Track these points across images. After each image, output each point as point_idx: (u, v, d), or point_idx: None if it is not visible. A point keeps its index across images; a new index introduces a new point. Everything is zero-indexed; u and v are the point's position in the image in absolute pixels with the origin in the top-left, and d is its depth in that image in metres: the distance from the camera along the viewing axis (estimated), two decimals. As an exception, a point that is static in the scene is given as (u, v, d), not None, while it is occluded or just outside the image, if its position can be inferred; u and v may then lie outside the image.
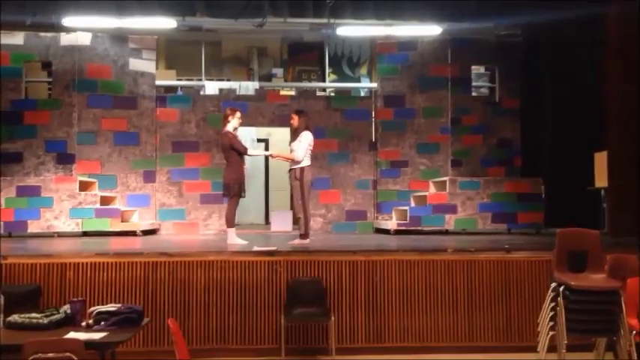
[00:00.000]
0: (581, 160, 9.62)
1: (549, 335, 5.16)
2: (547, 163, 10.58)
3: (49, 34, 9.88)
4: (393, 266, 6.40)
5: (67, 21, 9.21)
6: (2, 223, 9.14)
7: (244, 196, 7.78)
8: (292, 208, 7.90)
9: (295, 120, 7.76)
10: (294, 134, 7.81)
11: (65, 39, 9.92)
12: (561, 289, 5.03)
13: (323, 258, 6.44)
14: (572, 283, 4.98)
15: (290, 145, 7.95)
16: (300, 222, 7.64)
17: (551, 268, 5.38)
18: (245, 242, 7.49)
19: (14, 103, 9.80)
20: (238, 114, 7.78)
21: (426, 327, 6.33)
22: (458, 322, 6.35)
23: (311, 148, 7.66)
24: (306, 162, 7.57)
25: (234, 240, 7.55)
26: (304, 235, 7.59)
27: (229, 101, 10.52)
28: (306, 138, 7.62)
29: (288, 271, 6.29)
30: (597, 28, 8.78)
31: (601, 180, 9.04)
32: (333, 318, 6.04)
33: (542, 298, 5.40)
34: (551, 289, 5.20)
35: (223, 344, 6.19)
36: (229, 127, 7.68)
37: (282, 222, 10.60)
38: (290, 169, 7.64)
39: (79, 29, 9.78)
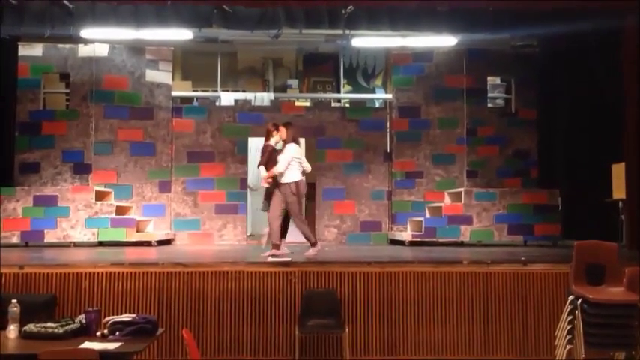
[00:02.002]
0: (598, 172, 9.52)
1: (567, 349, 5.10)
2: (564, 175, 10.49)
3: (67, 46, 10.01)
4: (408, 278, 6.36)
5: (85, 33, 9.32)
6: (19, 232, 9.24)
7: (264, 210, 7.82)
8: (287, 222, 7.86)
9: (282, 132, 7.69)
10: (283, 146, 7.72)
11: (83, 50, 10.05)
12: (579, 302, 4.97)
13: (337, 269, 6.42)
14: (590, 296, 4.92)
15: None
16: (306, 233, 7.64)
17: (568, 280, 5.32)
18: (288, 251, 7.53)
19: (33, 113, 9.93)
20: (282, 129, 7.71)
21: (442, 339, 6.27)
22: (474, 335, 6.28)
23: (298, 159, 7.53)
24: (296, 176, 7.48)
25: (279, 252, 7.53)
26: (315, 243, 7.61)
27: (244, 112, 10.58)
28: (290, 150, 7.49)
29: (302, 282, 6.27)
30: (614, 40, 8.72)
31: (619, 192, 8.93)
32: (347, 329, 6.01)
33: (560, 311, 5.34)
34: (568, 302, 5.14)
35: (237, 355, 6.17)
36: (272, 142, 7.75)
37: (297, 233, 10.55)
38: (281, 184, 7.49)
39: (97, 41, 9.90)
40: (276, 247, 7.49)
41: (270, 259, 6.97)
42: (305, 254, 7.54)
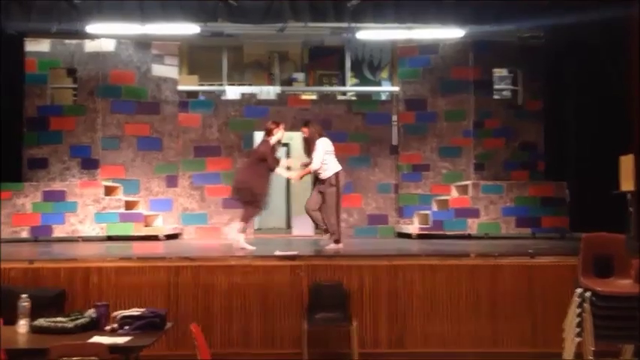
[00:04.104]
0: (606, 163, 9.46)
1: (575, 342, 5.09)
2: (571, 167, 10.44)
3: (74, 41, 10.02)
4: (415, 271, 6.37)
5: (92, 28, 9.33)
6: (29, 227, 9.29)
7: (266, 209, 7.82)
8: (319, 213, 7.78)
9: (306, 132, 7.77)
10: (307, 144, 7.78)
11: (90, 46, 10.06)
12: (587, 294, 4.96)
13: (345, 263, 6.43)
14: (599, 288, 4.91)
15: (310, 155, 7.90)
16: (333, 227, 7.63)
17: (576, 273, 5.30)
18: (253, 248, 7.46)
19: (40, 109, 9.96)
20: (282, 126, 7.72)
21: (449, 332, 6.28)
22: (481, 328, 6.29)
23: (331, 151, 7.63)
24: (335, 167, 7.57)
25: (243, 244, 7.55)
26: (338, 240, 7.61)
27: (251, 106, 10.58)
28: (321, 146, 7.58)
29: (309, 275, 6.29)
30: (621, 30, 8.66)
31: (627, 183, 8.87)
32: (355, 323, 6.02)
33: (568, 304, 5.33)
34: (576, 294, 5.13)
35: (245, 349, 6.21)
36: (272, 140, 7.67)
37: (303, 226, 10.62)
38: (320, 179, 7.60)
39: (103, 36, 9.92)
40: (339, 241, 7.58)
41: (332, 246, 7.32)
42: (326, 247, 7.57)
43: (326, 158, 7.57)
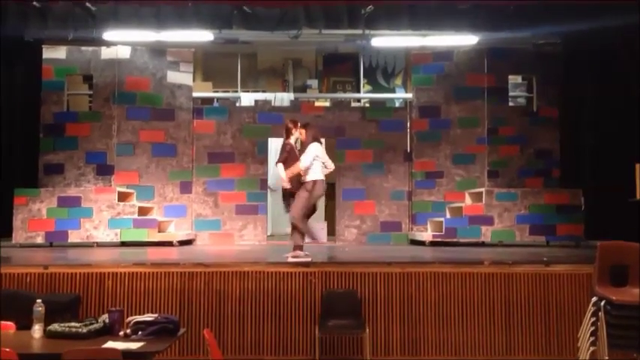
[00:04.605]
0: (622, 171, 9.38)
1: (590, 350, 5.04)
2: (587, 174, 10.35)
3: (90, 48, 10.13)
4: (428, 278, 6.35)
5: (108, 35, 9.44)
6: (44, 232, 9.38)
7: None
8: (288, 212, 7.56)
9: (302, 133, 7.66)
10: (303, 147, 7.67)
11: (105, 53, 10.16)
12: (602, 303, 4.91)
13: (358, 270, 6.42)
14: (614, 297, 4.86)
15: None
16: (295, 233, 7.35)
17: (591, 281, 5.26)
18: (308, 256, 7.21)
19: (56, 115, 10.07)
20: (302, 131, 7.65)
21: (463, 340, 6.25)
22: (495, 336, 6.25)
23: (320, 159, 7.46)
24: (317, 175, 7.38)
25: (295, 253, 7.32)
26: (301, 247, 7.28)
27: (265, 112, 10.61)
28: (312, 149, 7.44)
29: (322, 282, 6.29)
30: (637, 36, 8.59)
31: (643, 191, 8.80)
32: (367, 330, 6.01)
33: (583, 313, 5.28)
34: (592, 303, 5.08)
35: (258, 355, 6.22)
36: (292, 140, 7.67)
37: (317, 233, 10.58)
38: (303, 181, 7.42)
39: (119, 43, 10.01)
40: (299, 247, 7.30)
41: (290, 259, 6.97)
42: (284, 255, 7.24)
43: (313, 163, 7.44)
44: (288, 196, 7.59)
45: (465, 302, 6.30)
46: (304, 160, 7.36)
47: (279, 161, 7.56)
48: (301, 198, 7.35)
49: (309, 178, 7.37)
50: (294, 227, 7.39)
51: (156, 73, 10.39)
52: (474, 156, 10.37)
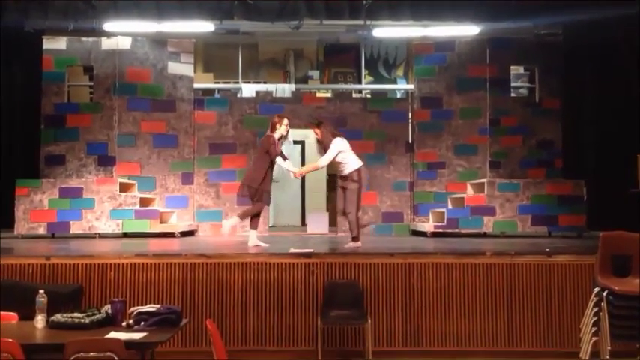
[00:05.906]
0: (624, 162, 9.37)
1: (592, 341, 5.05)
2: (589, 165, 10.34)
3: (91, 39, 10.09)
4: (430, 269, 6.35)
5: (108, 26, 9.40)
6: (46, 224, 9.39)
7: (268, 204, 7.84)
8: (339, 210, 7.73)
9: (318, 133, 7.68)
10: (320, 145, 7.70)
11: (106, 43, 10.12)
12: (604, 293, 4.92)
13: (359, 260, 6.43)
14: (616, 287, 4.87)
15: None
16: (353, 225, 7.56)
17: (593, 272, 5.26)
18: (266, 245, 7.48)
19: (57, 106, 10.04)
20: (286, 121, 7.69)
21: (465, 331, 6.26)
22: (497, 327, 6.26)
23: (348, 149, 7.56)
24: (356, 163, 7.51)
25: (255, 242, 7.56)
26: (357, 238, 7.54)
27: (266, 103, 10.58)
28: (335, 146, 7.49)
29: (324, 273, 6.29)
30: (638, 28, 8.56)
31: (645, 182, 8.79)
32: (369, 320, 6.02)
33: (585, 303, 5.29)
34: (594, 293, 5.09)
35: (260, 345, 6.23)
36: (276, 135, 7.64)
37: (318, 224, 10.62)
38: (342, 176, 7.55)
39: (120, 34, 9.97)
40: (357, 239, 7.53)
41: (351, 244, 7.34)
42: (345, 245, 7.54)
43: (344, 157, 7.50)
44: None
45: (467, 293, 6.31)
46: (326, 158, 7.48)
47: (273, 157, 7.52)
48: (352, 191, 7.46)
49: (349, 170, 7.43)
50: (351, 222, 7.55)
51: (156, 64, 10.35)
52: (475, 147, 10.34)
